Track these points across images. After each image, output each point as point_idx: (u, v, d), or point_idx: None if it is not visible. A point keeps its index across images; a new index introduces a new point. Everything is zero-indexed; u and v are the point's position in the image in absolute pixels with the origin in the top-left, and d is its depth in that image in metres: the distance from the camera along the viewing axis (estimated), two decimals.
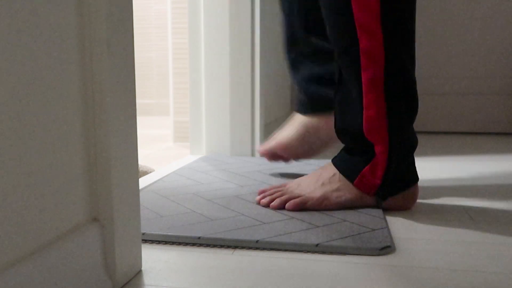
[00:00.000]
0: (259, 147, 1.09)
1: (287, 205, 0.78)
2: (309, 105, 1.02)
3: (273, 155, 1.05)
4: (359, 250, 0.62)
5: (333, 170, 0.82)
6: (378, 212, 0.78)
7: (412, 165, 0.83)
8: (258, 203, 0.82)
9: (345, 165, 0.82)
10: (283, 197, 0.80)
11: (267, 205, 0.80)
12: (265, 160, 1.25)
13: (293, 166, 1.16)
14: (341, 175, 0.81)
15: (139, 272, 0.56)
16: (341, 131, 0.84)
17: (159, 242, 0.66)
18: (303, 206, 0.78)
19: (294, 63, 1.05)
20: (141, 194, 0.89)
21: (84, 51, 0.47)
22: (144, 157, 1.45)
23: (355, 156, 0.82)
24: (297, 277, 0.55)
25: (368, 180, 0.79)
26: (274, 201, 0.80)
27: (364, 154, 0.81)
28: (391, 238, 0.66)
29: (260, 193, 0.85)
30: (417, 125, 1.89)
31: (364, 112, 0.78)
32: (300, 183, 0.84)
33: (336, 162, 0.83)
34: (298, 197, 0.80)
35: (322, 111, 1.00)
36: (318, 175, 0.83)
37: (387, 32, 0.76)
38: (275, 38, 1.58)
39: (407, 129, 0.80)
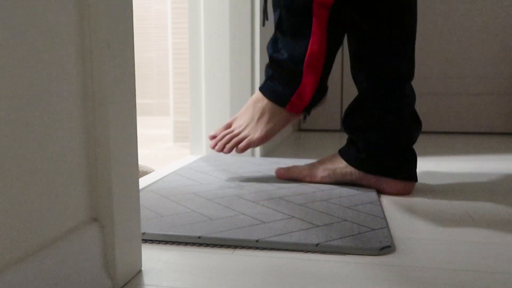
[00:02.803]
0: (278, 170, 1.05)
1: (237, 151, 0.97)
2: (368, 166, 0.95)
3: (290, 179, 1.04)
4: (359, 250, 0.62)
5: (262, 103, 0.98)
6: (378, 212, 0.78)
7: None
8: (213, 148, 0.99)
9: (275, 95, 0.97)
10: (231, 143, 0.97)
11: (220, 151, 0.98)
12: (265, 160, 1.25)
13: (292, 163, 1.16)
14: (270, 104, 0.97)
15: (139, 272, 0.56)
16: (276, 61, 0.97)
17: (159, 242, 0.66)
18: (251, 147, 0.97)
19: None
20: (141, 194, 0.89)
21: (84, 51, 0.47)
22: (144, 157, 1.45)
23: (282, 84, 0.96)
24: (297, 277, 0.55)
25: (297, 104, 0.96)
26: (225, 148, 0.97)
27: (291, 83, 0.96)
28: (391, 238, 0.66)
29: (211, 138, 1.01)
30: None
31: (309, 46, 0.92)
32: (241, 124, 0.99)
33: (265, 92, 0.98)
34: (244, 139, 0.97)
35: (378, 174, 0.94)
36: (250, 112, 0.99)
37: None
38: None
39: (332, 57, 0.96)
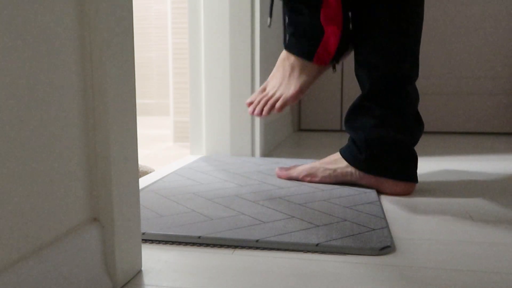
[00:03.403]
0: (279, 170, 1.06)
1: (275, 112, 0.97)
2: (368, 166, 0.96)
3: (290, 179, 1.04)
4: (359, 250, 0.62)
5: (290, 60, 0.98)
6: (378, 212, 0.78)
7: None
8: (252, 113, 0.99)
9: (300, 50, 0.97)
10: (268, 105, 0.97)
11: (259, 115, 0.98)
12: (265, 160, 1.25)
13: (292, 163, 1.16)
14: (298, 60, 0.97)
15: (139, 272, 0.56)
16: (295, 20, 0.97)
17: (159, 242, 0.66)
18: (288, 104, 0.97)
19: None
20: (141, 194, 0.89)
21: (84, 51, 0.47)
22: (144, 157, 1.45)
23: (305, 39, 0.96)
24: (297, 277, 0.55)
25: (324, 55, 0.96)
26: (264, 111, 0.98)
27: (314, 37, 0.96)
28: (391, 238, 0.66)
29: (249, 105, 1.01)
30: None
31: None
32: (274, 85, 1.00)
33: (291, 49, 0.98)
34: (279, 98, 0.97)
35: (379, 175, 0.96)
36: (280, 71, 0.99)
37: None
38: (275, 37, 1.58)
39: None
